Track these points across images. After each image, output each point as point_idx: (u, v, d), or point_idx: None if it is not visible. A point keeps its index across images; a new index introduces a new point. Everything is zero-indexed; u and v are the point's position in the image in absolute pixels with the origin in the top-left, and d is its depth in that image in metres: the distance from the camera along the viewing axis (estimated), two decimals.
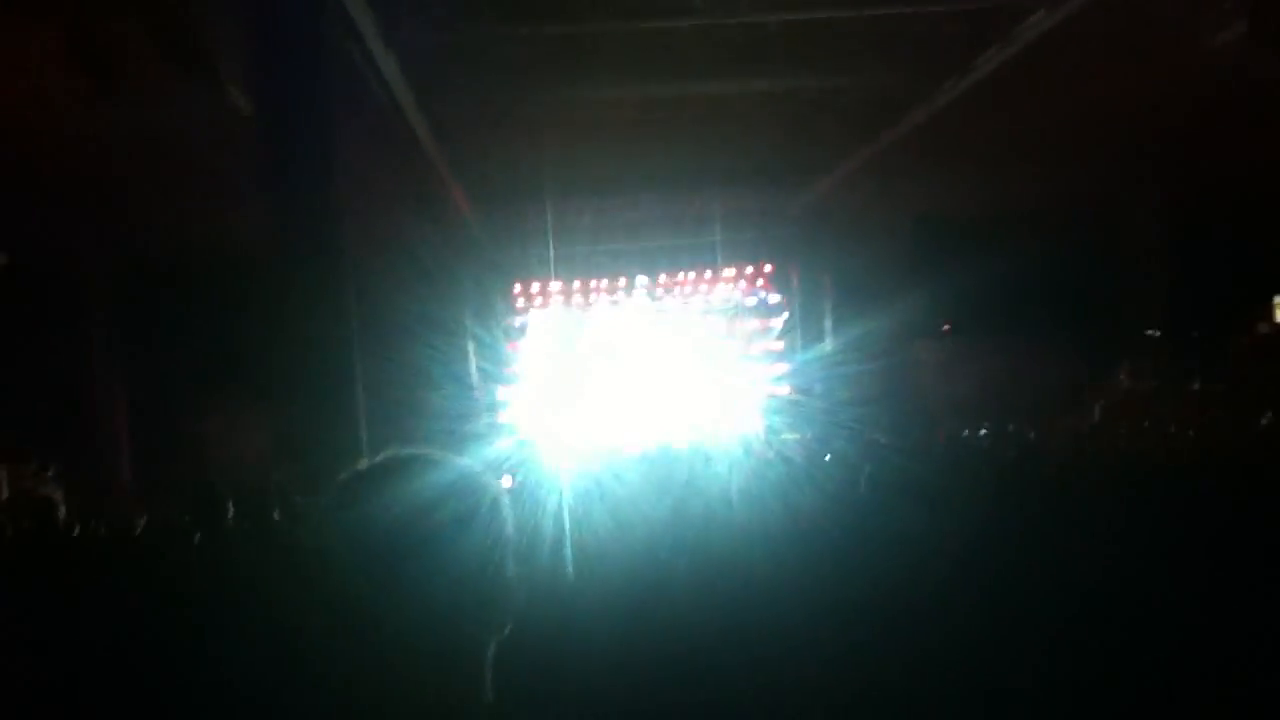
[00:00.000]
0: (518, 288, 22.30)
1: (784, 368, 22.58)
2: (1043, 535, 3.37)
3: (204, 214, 17.55)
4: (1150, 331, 23.76)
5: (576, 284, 22.46)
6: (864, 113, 15.95)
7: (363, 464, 1.14)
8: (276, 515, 5.94)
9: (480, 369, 21.65)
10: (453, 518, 1.05)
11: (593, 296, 22.52)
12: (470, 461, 1.16)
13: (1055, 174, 19.17)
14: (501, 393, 22.02)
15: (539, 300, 22.42)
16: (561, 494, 5.18)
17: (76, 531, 5.93)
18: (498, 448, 19.85)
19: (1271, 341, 23.27)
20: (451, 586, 1.01)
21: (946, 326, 24.02)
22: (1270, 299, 24.31)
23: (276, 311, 8.40)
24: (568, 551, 3.48)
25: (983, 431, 13.31)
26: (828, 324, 21.98)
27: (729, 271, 22.85)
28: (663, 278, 22.73)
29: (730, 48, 12.98)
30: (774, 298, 22.80)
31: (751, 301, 22.82)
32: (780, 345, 22.64)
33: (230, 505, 5.95)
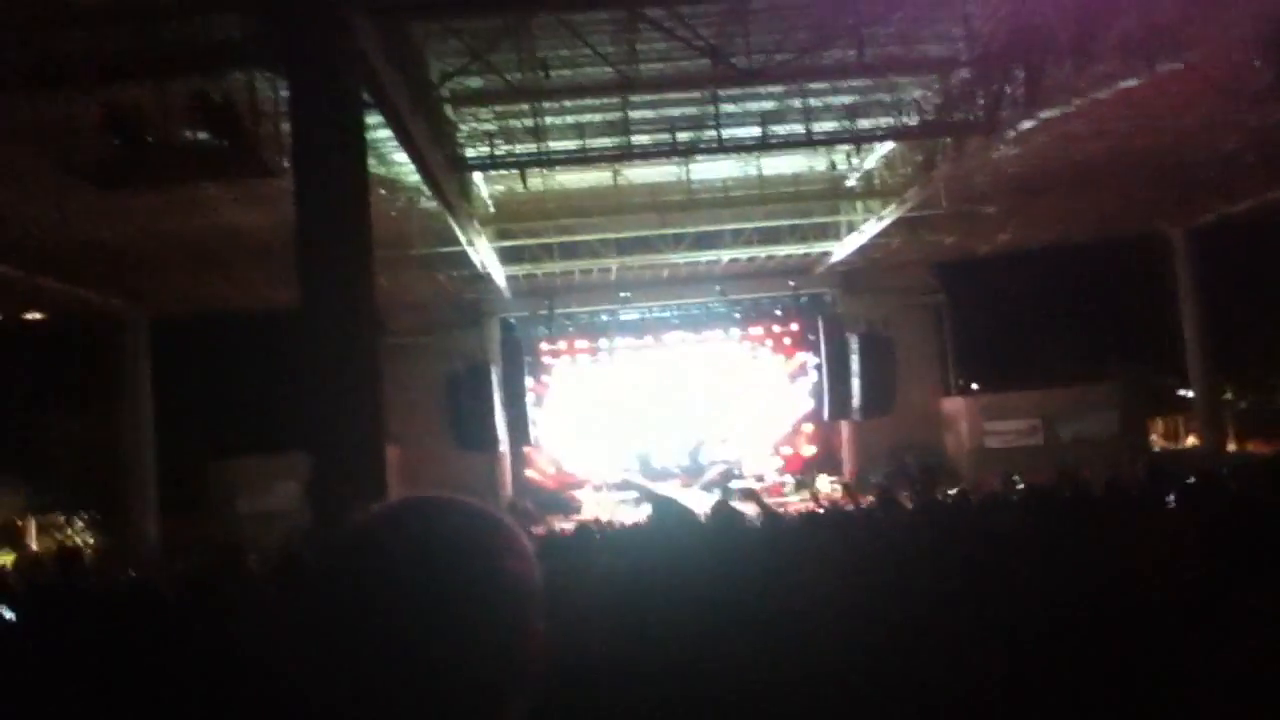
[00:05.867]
0: (545, 346, 22.57)
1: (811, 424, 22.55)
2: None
3: (236, 275, 17.90)
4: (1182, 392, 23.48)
5: (602, 342, 22.69)
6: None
7: (370, 512, 1.06)
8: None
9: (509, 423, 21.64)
10: (470, 571, 0.99)
11: (618, 354, 22.69)
12: (489, 506, 1.08)
13: (1077, 213, 19.18)
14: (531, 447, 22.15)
15: (565, 358, 22.67)
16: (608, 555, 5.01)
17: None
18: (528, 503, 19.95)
19: None
20: (466, 642, 0.97)
21: (975, 384, 23.88)
22: None
23: (308, 369, 8.48)
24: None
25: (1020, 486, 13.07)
26: (855, 382, 21.76)
27: (756, 330, 22.99)
28: (691, 336, 22.92)
29: None
30: (801, 356, 22.79)
31: (778, 360, 22.89)
32: (808, 402, 22.57)
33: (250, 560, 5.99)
